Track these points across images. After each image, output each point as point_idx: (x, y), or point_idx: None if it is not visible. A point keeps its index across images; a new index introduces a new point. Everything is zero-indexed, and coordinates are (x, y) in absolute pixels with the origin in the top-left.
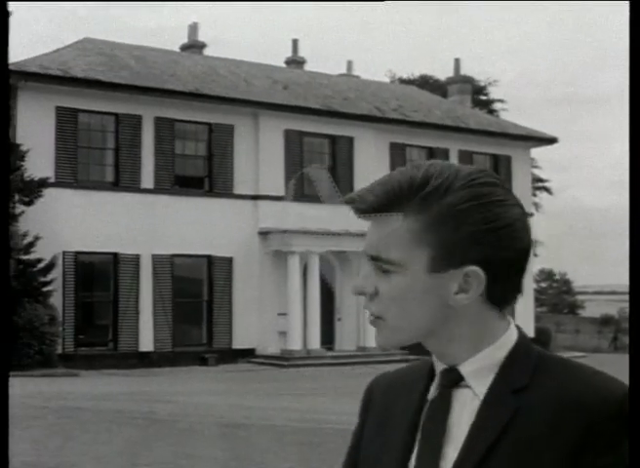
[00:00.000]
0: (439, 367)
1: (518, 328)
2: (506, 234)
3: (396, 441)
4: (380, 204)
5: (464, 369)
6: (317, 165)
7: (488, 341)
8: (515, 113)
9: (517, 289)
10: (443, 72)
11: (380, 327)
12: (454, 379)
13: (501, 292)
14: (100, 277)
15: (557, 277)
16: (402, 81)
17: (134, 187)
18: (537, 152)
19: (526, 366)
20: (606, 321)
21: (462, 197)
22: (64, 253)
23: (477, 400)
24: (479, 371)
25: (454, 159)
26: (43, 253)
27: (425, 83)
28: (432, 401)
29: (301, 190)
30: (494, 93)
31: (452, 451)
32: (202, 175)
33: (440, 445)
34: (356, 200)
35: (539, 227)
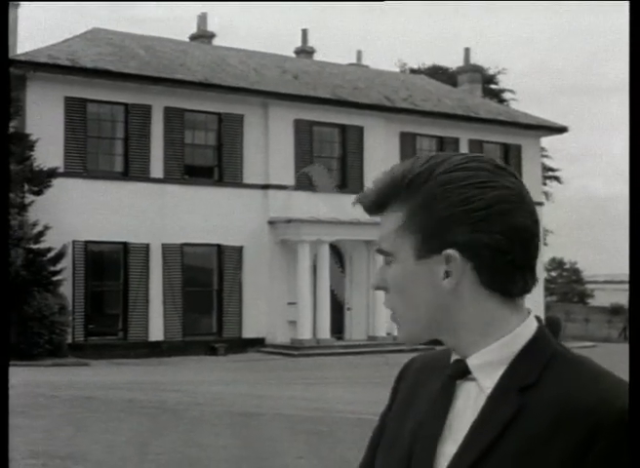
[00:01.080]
0: (453, 357)
1: (539, 321)
2: (484, 216)
3: (405, 426)
4: (379, 201)
5: (472, 361)
6: (317, 164)
7: (498, 334)
8: (527, 102)
9: (517, 277)
10: (453, 62)
11: (397, 321)
12: (460, 371)
13: (494, 278)
14: (109, 266)
15: (567, 266)
16: (412, 71)
17: (143, 177)
18: (548, 142)
19: (537, 363)
20: (616, 310)
21: (440, 181)
22: (74, 242)
23: (483, 394)
24: (487, 365)
25: (464, 148)
26: (53, 242)
27: (436, 73)
28: (437, 391)
29: (310, 180)
30: (504, 82)
31: (450, 446)
32: (212, 164)
33: (437, 436)
34: (361, 201)
35: (549, 216)
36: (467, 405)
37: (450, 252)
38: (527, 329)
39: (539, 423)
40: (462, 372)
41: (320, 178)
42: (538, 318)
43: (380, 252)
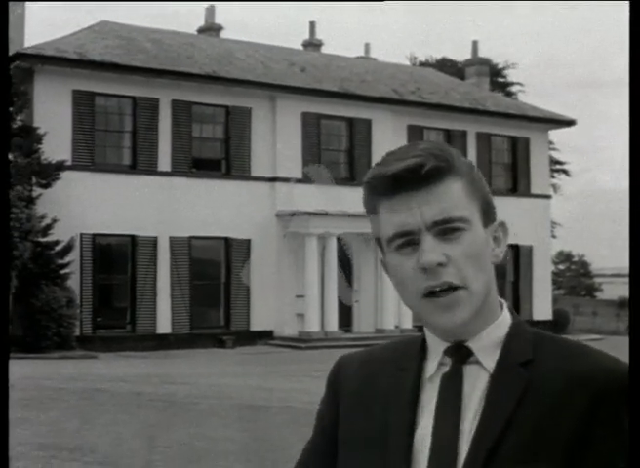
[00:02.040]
0: (440, 345)
1: (510, 308)
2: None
3: (396, 419)
4: (442, 168)
5: (474, 345)
6: (317, 164)
7: (491, 319)
8: (536, 96)
9: None
10: (462, 55)
11: (462, 299)
12: (464, 355)
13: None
14: (117, 259)
15: (575, 259)
16: (422, 64)
17: (151, 170)
18: (556, 135)
19: (526, 342)
20: (624, 303)
21: (471, 163)
22: (82, 235)
23: (486, 375)
24: (487, 348)
25: (472, 141)
26: (60, 235)
27: (444, 66)
28: (445, 377)
29: (319, 173)
30: (514, 75)
31: (467, 426)
32: (219, 157)
33: (458, 420)
34: (411, 171)
35: (557, 209)
36: (475, 386)
37: (502, 220)
38: (507, 314)
39: (547, 394)
40: (466, 357)
41: (320, 179)
42: (508, 306)
43: (448, 221)
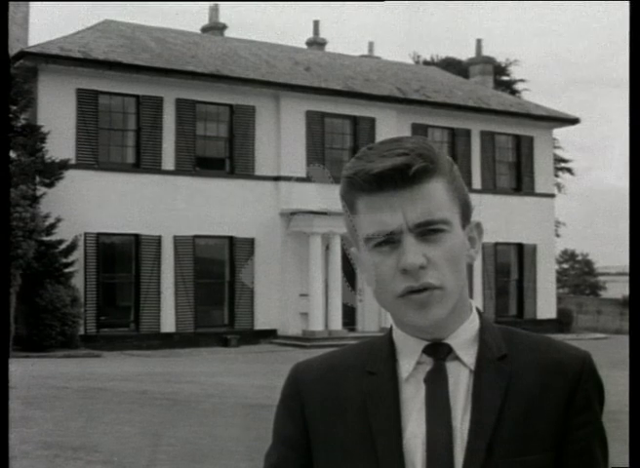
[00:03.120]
0: (417, 344)
1: (475, 306)
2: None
3: (379, 424)
4: (428, 168)
5: (452, 341)
6: (317, 165)
7: (465, 316)
8: (541, 95)
9: None
10: (466, 54)
11: (437, 298)
12: (445, 352)
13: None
14: (121, 258)
15: (579, 258)
16: (426, 63)
17: (155, 169)
18: (561, 134)
19: (498, 337)
20: (628, 302)
21: (450, 160)
22: (86, 234)
23: (466, 371)
24: (464, 344)
25: (476, 139)
26: (64, 234)
27: (449, 65)
28: (430, 376)
29: (323, 172)
30: (518, 74)
31: (457, 424)
32: (223, 156)
33: (450, 418)
34: (398, 171)
35: (561, 208)
36: (458, 383)
37: (479, 221)
38: (475, 312)
39: (528, 386)
40: (446, 354)
41: (323, 178)
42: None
43: (430, 223)
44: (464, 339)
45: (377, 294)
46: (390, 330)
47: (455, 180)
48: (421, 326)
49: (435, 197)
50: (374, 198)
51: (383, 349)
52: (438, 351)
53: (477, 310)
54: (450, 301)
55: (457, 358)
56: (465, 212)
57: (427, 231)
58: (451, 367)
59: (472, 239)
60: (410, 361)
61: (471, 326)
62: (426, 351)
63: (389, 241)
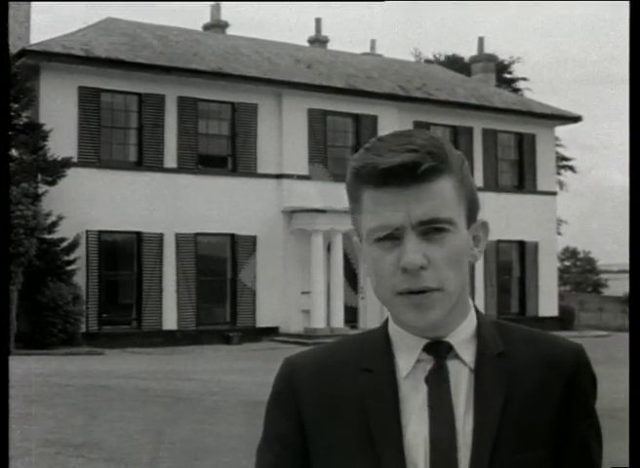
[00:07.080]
0: (416, 341)
1: (472, 301)
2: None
3: (380, 423)
4: (437, 167)
5: (452, 340)
6: (318, 165)
7: (465, 314)
8: (546, 93)
9: None
10: (469, 52)
11: (436, 300)
12: (445, 350)
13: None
14: (123, 256)
15: (581, 255)
16: (428, 61)
17: (157, 167)
18: (564, 131)
19: (494, 334)
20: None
21: (461, 156)
22: (88, 232)
23: (465, 369)
24: (464, 342)
25: (478, 137)
26: (66, 232)
27: (451, 63)
28: (432, 375)
29: (325, 170)
30: (522, 73)
31: (460, 423)
32: (225, 154)
33: (453, 417)
34: (407, 168)
35: (563, 206)
36: (459, 381)
37: (485, 220)
38: (473, 308)
39: (527, 382)
40: (446, 352)
41: (325, 176)
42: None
43: (434, 222)
44: (464, 337)
45: (375, 288)
46: (385, 324)
47: (464, 179)
48: (419, 326)
49: (442, 196)
50: (379, 193)
51: (379, 344)
52: (439, 349)
53: (474, 307)
54: (449, 303)
55: (457, 356)
56: (472, 210)
57: (431, 230)
58: (451, 365)
59: (477, 238)
60: (409, 358)
61: (470, 324)
62: (427, 349)
63: (391, 237)
